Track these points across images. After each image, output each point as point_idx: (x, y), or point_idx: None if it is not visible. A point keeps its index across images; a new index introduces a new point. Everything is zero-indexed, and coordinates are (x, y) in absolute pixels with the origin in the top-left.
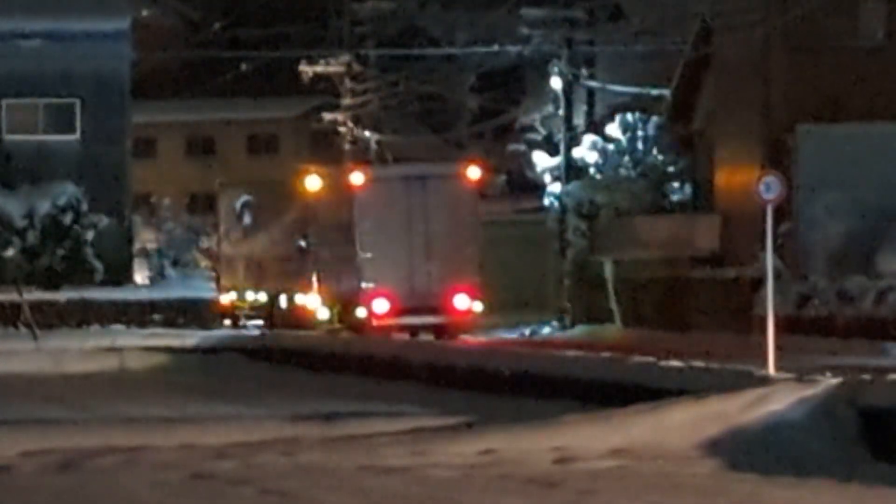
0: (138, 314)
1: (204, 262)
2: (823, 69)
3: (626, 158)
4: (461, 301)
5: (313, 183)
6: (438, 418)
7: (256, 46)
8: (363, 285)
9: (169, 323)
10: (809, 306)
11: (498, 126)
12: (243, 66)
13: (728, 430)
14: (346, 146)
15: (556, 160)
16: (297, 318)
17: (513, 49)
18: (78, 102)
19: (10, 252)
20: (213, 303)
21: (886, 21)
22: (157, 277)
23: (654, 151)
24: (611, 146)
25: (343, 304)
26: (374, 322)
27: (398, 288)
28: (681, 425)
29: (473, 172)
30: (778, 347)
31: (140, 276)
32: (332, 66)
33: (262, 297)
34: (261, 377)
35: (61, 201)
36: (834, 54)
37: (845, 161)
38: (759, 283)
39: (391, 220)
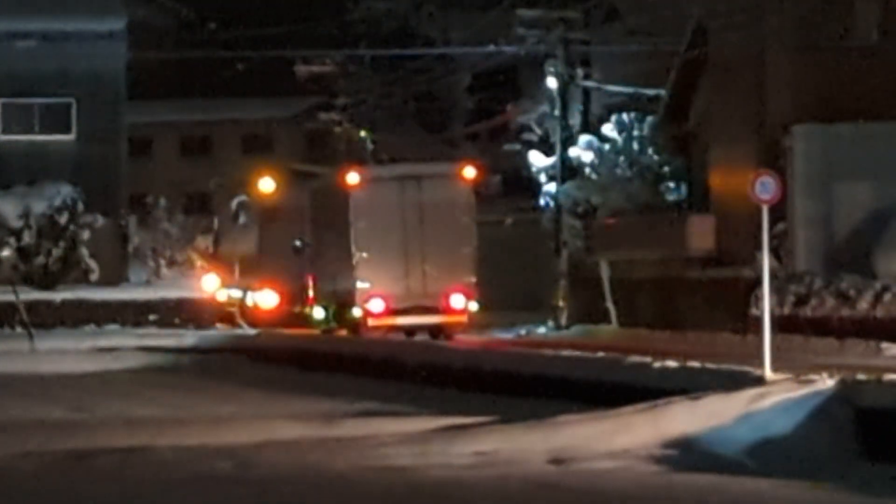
0: (134, 314)
1: (199, 262)
2: (819, 69)
3: (622, 158)
4: (457, 301)
5: (266, 185)
6: (435, 418)
7: (251, 46)
8: (359, 285)
9: (165, 323)
10: (806, 306)
11: (493, 126)
12: (238, 67)
13: (724, 430)
14: (341, 146)
15: (552, 160)
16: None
17: (508, 49)
18: (73, 102)
19: (5, 252)
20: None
21: (881, 21)
22: (153, 277)
23: (650, 151)
24: (606, 146)
25: (339, 304)
26: (370, 322)
27: (394, 288)
28: (677, 425)
29: (469, 172)
30: (774, 347)
31: (135, 276)
32: (327, 66)
33: (240, 294)
34: (258, 377)
35: (57, 201)
36: (829, 54)
37: (841, 161)
38: (755, 283)
39: (386, 219)
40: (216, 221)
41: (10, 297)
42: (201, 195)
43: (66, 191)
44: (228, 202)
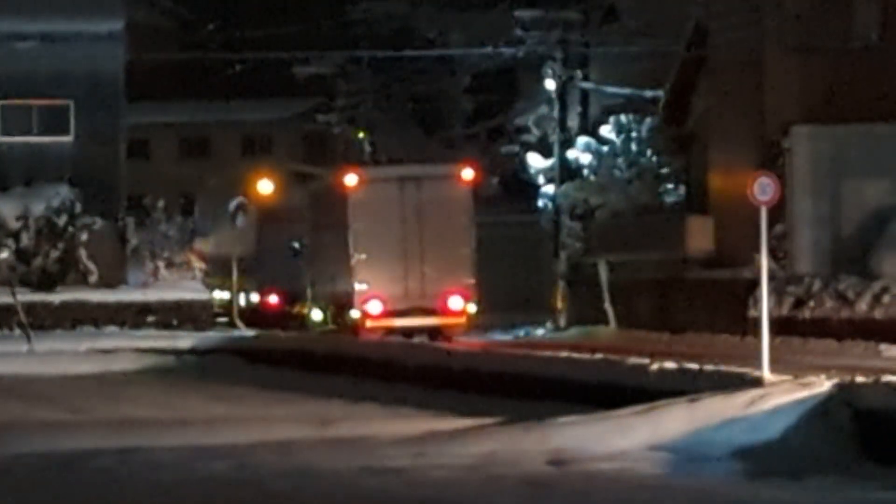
0: (132, 316)
1: (198, 264)
2: (818, 70)
3: (621, 160)
4: (455, 302)
5: (265, 186)
6: (433, 420)
7: (250, 48)
8: (357, 287)
9: (163, 324)
10: (804, 308)
11: (492, 127)
12: (237, 68)
13: (723, 431)
14: (340, 147)
15: (550, 161)
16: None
17: (507, 50)
18: (72, 104)
19: (3, 254)
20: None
21: (881, 21)
22: (151, 279)
23: (649, 153)
24: (605, 147)
25: (337, 306)
26: (368, 323)
27: (392, 289)
28: (676, 427)
29: (467, 173)
30: (773, 349)
31: (133, 277)
32: (325, 68)
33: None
34: (255, 378)
35: (55, 203)
36: (828, 55)
37: (841, 162)
38: (753, 284)
39: (385, 221)
40: (194, 220)
41: (8, 299)
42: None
43: (64, 192)
44: (220, 201)
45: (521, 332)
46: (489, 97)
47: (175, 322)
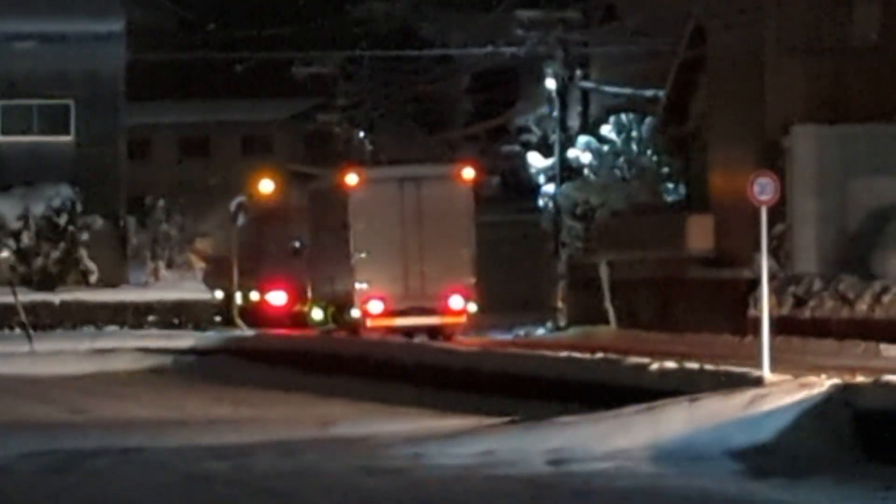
0: (133, 315)
1: (199, 264)
2: (818, 70)
3: (621, 159)
4: (455, 302)
5: (265, 186)
6: (433, 419)
7: (250, 47)
8: (357, 286)
9: (163, 324)
10: (805, 307)
11: (492, 127)
12: (237, 68)
13: (723, 431)
14: (340, 147)
15: (551, 161)
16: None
17: (507, 50)
18: (72, 104)
19: (4, 253)
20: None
21: (881, 21)
22: (151, 279)
23: (649, 152)
24: (605, 147)
25: (337, 305)
26: (369, 323)
27: (392, 289)
28: (676, 427)
29: (468, 173)
30: (773, 349)
31: (134, 277)
32: (326, 68)
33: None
34: (255, 378)
35: (56, 203)
36: (829, 55)
37: (841, 161)
38: (754, 284)
39: (385, 220)
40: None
41: (9, 299)
42: (200, 196)
43: (64, 192)
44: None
45: (521, 332)
46: (489, 97)
47: (175, 322)
